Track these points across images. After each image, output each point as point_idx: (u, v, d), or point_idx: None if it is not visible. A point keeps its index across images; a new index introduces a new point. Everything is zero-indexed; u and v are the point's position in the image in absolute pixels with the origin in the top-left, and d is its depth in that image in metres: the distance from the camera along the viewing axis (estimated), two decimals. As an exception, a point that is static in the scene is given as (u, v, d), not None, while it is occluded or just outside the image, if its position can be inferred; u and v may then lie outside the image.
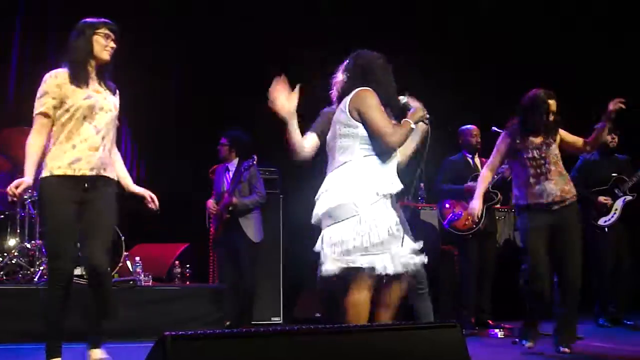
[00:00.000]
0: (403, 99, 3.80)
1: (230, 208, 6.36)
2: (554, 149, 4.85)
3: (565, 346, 4.77)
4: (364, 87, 3.67)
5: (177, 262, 7.26)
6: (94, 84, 3.94)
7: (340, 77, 3.91)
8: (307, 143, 3.78)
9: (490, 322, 6.57)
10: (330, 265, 3.57)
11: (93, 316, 3.96)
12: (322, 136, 3.84)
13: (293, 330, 2.52)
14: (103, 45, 3.91)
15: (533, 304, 4.92)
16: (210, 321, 6.29)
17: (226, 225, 6.45)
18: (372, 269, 3.48)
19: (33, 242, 6.47)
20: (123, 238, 6.09)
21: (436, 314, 5.32)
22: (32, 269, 6.35)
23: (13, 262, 6.43)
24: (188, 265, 7.34)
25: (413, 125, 3.66)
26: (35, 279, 6.23)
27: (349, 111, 3.63)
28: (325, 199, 3.63)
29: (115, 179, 4.03)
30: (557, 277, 4.88)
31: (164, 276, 7.23)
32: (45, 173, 3.83)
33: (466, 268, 6.57)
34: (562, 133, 4.96)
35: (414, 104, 3.80)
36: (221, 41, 8.51)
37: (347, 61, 3.85)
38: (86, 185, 3.84)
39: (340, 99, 3.78)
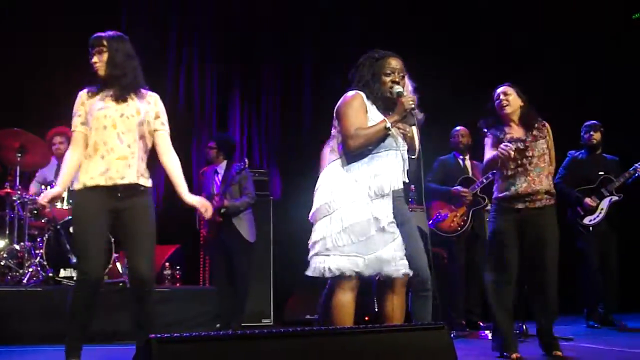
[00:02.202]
0: (398, 88, 3.79)
1: (222, 210, 6.37)
2: (542, 144, 4.72)
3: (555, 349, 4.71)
4: (350, 91, 3.74)
5: (167, 263, 7.26)
6: (114, 96, 3.96)
7: None
8: None
9: (481, 323, 6.58)
10: (310, 266, 3.62)
11: (136, 326, 4.00)
12: None
13: (280, 332, 2.51)
14: (92, 65, 3.97)
15: (501, 317, 4.69)
16: (201, 323, 6.27)
17: (219, 228, 6.45)
18: (339, 270, 3.52)
19: (22, 243, 6.43)
20: (113, 240, 6.07)
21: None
22: (21, 271, 6.31)
23: (2, 263, 6.39)
24: (178, 267, 7.34)
25: (388, 124, 3.64)
26: (24, 281, 6.20)
27: (335, 114, 3.74)
28: (315, 198, 3.71)
29: (148, 186, 4.02)
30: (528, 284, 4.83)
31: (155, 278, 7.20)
32: (77, 186, 3.93)
33: (454, 270, 6.59)
34: (551, 141, 4.82)
35: (407, 93, 3.84)
36: (211, 39, 8.50)
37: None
38: (119, 195, 3.89)
39: None
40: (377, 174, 3.65)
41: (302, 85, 8.40)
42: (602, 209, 6.70)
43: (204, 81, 8.39)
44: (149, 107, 4.05)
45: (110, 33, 4.03)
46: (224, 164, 6.68)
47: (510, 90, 4.80)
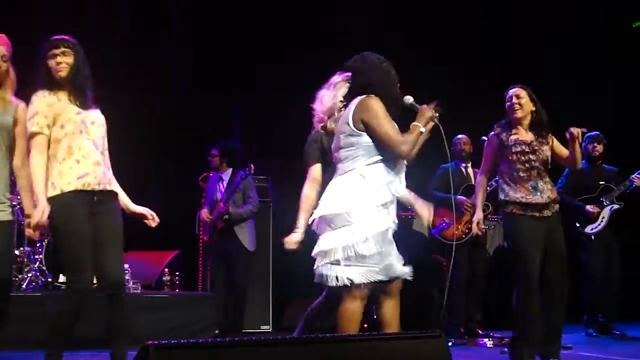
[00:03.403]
0: (409, 99, 3.81)
1: (225, 217, 6.39)
2: (547, 150, 4.65)
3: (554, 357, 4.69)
4: (367, 95, 3.66)
5: (166, 269, 7.23)
6: (79, 102, 3.88)
7: (331, 90, 4.01)
8: None
9: (480, 331, 6.58)
10: (318, 273, 3.61)
11: (112, 330, 3.93)
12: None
13: (278, 339, 2.51)
14: (54, 67, 3.86)
15: (527, 324, 4.48)
16: (200, 329, 6.27)
17: (220, 234, 6.46)
18: (351, 280, 3.51)
19: (22, 248, 6.44)
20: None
21: (425, 323, 5.33)
22: (20, 276, 6.32)
23: (1, 268, 6.39)
24: (177, 273, 7.33)
25: (422, 129, 3.66)
26: (24, 286, 6.21)
27: (354, 122, 3.63)
28: (323, 206, 3.66)
29: (117, 192, 4.02)
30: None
31: (153, 284, 7.21)
32: (55, 192, 3.79)
33: (455, 277, 6.57)
34: (555, 141, 4.78)
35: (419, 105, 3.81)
36: (206, 47, 8.51)
37: (348, 68, 3.87)
38: (95, 198, 3.85)
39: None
40: (391, 181, 3.66)
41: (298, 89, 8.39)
42: (603, 217, 6.70)
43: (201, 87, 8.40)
44: (102, 119, 4.00)
45: (71, 38, 3.95)
46: (228, 171, 6.70)
47: (523, 93, 4.70)
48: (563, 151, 4.78)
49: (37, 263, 6.34)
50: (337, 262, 3.55)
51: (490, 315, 6.81)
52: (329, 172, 4.06)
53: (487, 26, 8.98)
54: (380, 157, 3.63)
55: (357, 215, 3.55)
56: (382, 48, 3.99)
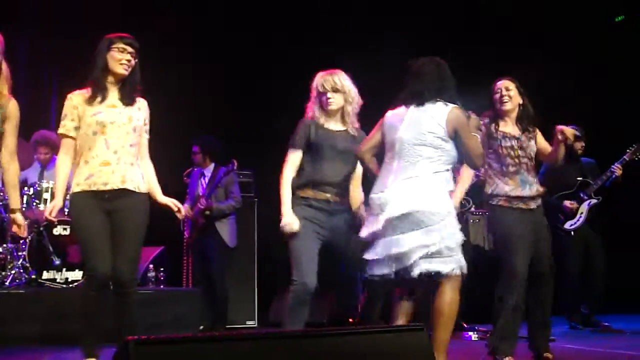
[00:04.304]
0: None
1: (206, 213, 6.37)
2: (533, 145, 4.64)
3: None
4: (454, 105, 3.90)
5: (151, 265, 7.23)
6: (111, 99, 3.99)
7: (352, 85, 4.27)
8: None
9: (464, 324, 6.60)
10: (418, 268, 3.73)
11: (117, 328, 4.00)
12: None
13: (259, 333, 2.51)
14: (118, 60, 3.96)
15: (507, 317, 4.40)
16: (185, 325, 6.24)
17: (201, 230, 6.45)
18: (461, 267, 3.79)
19: (5, 245, 6.40)
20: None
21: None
22: (3, 273, 6.28)
23: (-16, 266, 6.36)
24: (162, 269, 7.32)
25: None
26: (7, 283, 6.17)
27: (446, 126, 3.84)
28: (416, 204, 3.76)
29: (139, 190, 4.04)
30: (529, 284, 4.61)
31: (138, 280, 7.17)
32: (72, 190, 3.99)
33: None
34: (539, 136, 4.76)
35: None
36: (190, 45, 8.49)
37: (418, 70, 4.02)
38: (107, 197, 3.93)
39: (406, 102, 3.98)
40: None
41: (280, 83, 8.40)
42: (582, 213, 6.73)
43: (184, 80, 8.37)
44: (139, 113, 4.08)
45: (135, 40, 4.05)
46: (211, 166, 6.68)
47: (512, 85, 4.67)
48: (546, 147, 4.76)
49: (21, 260, 6.31)
50: (440, 255, 3.74)
51: (474, 308, 6.82)
52: (313, 161, 4.20)
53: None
54: (451, 166, 3.94)
55: (448, 213, 3.80)
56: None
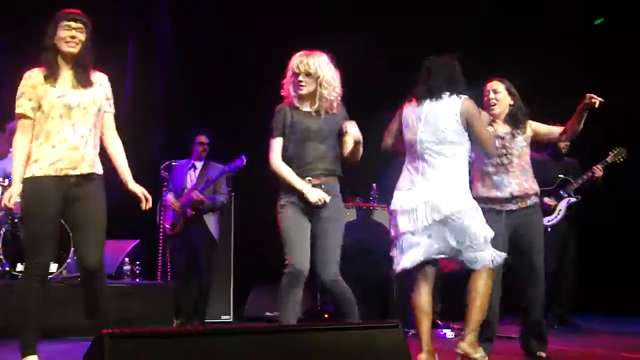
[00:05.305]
0: None
1: (200, 207, 6.35)
2: (521, 141, 4.61)
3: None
4: (465, 96, 4.03)
5: (126, 259, 7.19)
6: (70, 80, 3.85)
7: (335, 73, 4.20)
8: None
9: (440, 322, 6.62)
10: (473, 256, 3.99)
11: (89, 319, 3.93)
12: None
13: (236, 328, 2.51)
14: (63, 38, 3.80)
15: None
16: (160, 319, 6.22)
17: (187, 222, 6.42)
18: (495, 258, 4.03)
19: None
20: (71, 234, 5.98)
21: (385, 315, 5.32)
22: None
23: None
24: (138, 262, 7.27)
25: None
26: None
27: (460, 118, 3.97)
28: (453, 201, 3.93)
29: (100, 172, 3.95)
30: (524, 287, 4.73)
31: (113, 273, 7.15)
32: (27, 174, 3.79)
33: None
34: (534, 125, 4.73)
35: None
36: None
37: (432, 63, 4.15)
38: (72, 182, 3.81)
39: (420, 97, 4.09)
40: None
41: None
42: (560, 210, 6.77)
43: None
44: (100, 89, 3.95)
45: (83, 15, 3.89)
46: (202, 160, 6.67)
47: (500, 87, 4.65)
48: (550, 130, 4.78)
49: (-6, 252, 6.24)
50: (479, 245, 3.97)
51: (450, 306, 6.84)
52: (292, 144, 4.18)
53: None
54: (469, 159, 4.14)
55: (476, 209, 4.02)
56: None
